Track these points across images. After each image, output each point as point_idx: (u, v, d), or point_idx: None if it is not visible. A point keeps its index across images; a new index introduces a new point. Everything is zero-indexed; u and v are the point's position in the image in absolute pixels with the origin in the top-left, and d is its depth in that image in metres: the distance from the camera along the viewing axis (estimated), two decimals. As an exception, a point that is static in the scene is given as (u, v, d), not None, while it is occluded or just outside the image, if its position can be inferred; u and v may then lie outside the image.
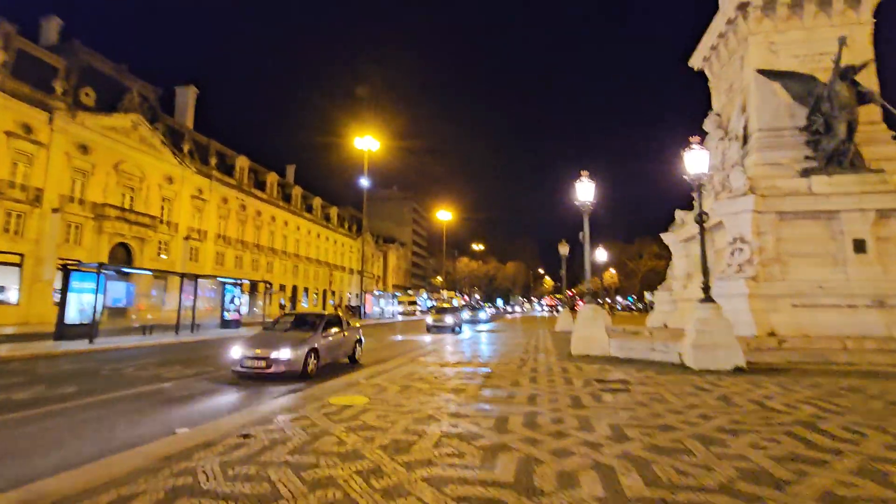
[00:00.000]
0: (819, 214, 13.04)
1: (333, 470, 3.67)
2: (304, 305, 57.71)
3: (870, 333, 11.41)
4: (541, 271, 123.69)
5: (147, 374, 9.64)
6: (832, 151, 13.63)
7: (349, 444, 4.34)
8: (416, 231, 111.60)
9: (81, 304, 15.20)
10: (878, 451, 4.11)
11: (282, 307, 46.46)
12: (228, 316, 22.64)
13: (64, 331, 14.68)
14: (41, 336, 16.41)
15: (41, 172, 27.74)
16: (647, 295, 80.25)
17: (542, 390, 7.08)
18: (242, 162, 47.47)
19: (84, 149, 30.27)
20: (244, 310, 28.45)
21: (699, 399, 6.35)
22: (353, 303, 55.17)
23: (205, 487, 3.33)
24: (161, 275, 21.77)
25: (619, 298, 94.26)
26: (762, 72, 15.00)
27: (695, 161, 9.58)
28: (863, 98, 13.79)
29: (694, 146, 9.54)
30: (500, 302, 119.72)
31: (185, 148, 39.56)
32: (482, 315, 41.72)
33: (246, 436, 4.57)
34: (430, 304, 69.51)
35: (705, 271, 9.61)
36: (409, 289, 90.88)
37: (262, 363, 8.66)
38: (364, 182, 41.98)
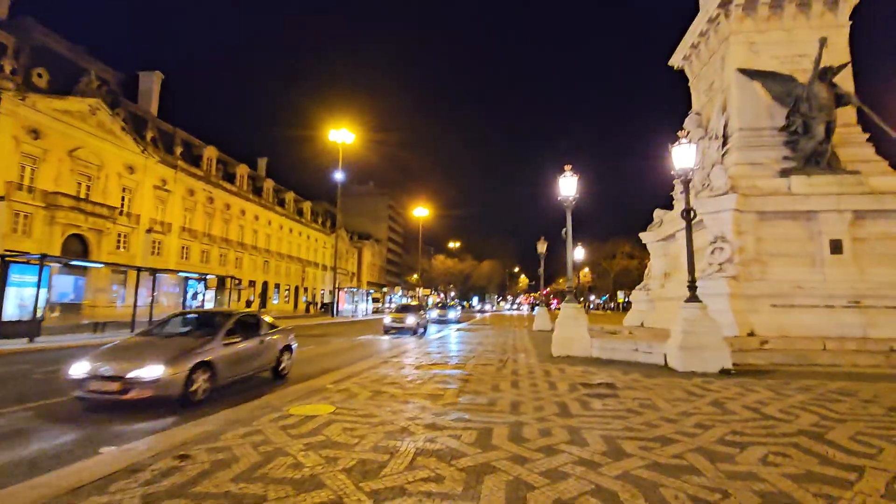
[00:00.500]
0: (798, 215, 13.01)
1: None
2: (275, 302, 56.04)
3: (847, 334, 11.41)
4: (517, 270, 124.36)
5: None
6: (810, 152, 13.65)
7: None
8: (392, 228, 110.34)
9: (22, 298, 13.88)
10: (899, 468, 3.72)
11: (248, 304, 44.77)
12: (191, 313, 21.34)
13: (0, 328, 13.36)
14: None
15: (-15, 157, 25.70)
16: (620, 294, 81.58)
17: (526, 396, 6.55)
18: (210, 152, 45.52)
19: (35, 133, 28.19)
20: (209, 306, 27.13)
21: (692, 405, 5.94)
22: (326, 299, 53.84)
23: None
24: (120, 269, 20.40)
25: (592, 297, 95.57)
26: (743, 71, 14.93)
27: (682, 155, 9.25)
28: (840, 100, 13.84)
29: (682, 140, 9.20)
30: (475, 300, 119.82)
31: (149, 136, 37.55)
32: (452, 314, 37.55)
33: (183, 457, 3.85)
34: (405, 301, 68.38)
35: (691, 269, 9.30)
36: (385, 286, 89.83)
37: (116, 385, 6.02)
38: (339, 175, 40.91)
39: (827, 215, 12.74)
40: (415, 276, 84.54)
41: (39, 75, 29.06)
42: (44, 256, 14.46)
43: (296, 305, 61.17)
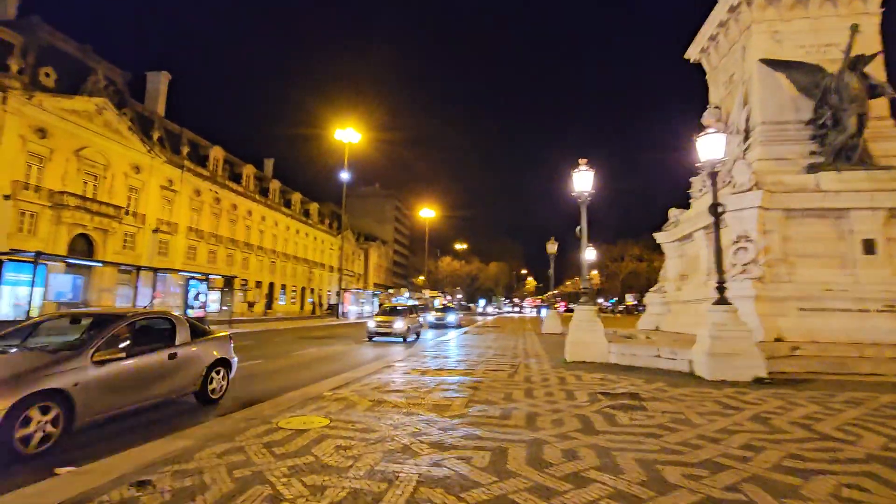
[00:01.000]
0: (827, 212, 12.24)
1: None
2: (282, 303, 55.76)
3: (881, 340, 10.61)
4: (524, 272, 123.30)
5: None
6: (840, 146, 12.86)
7: None
8: (398, 229, 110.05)
9: (17, 297, 13.50)
10: None
11: (251, 306, 44.39)
12: (192, 313, 20.97)
13: (-6, 328, 12.94)
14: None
15: (-9, 155, 25.57)
16: (629, 297, 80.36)
17: (542, 408, 5.92)
18: (217, 153, 45.37)
19: (42, 132, 28.08)
20: (215, 307, 26.75)
21: (731, 420, 5.27)
22: (333, 301, 53.39)
23: None
24: (124, 269, 20.08)
25: (600, 300, 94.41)
26: (766, 61, 14.17)
27: (710, 146, 8.56)
28: (872, 91, 13.06)
29: (710, 130, 8.51)
30: (482, 302, 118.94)
31: (155, 136, 37.40)
32: (451, 318, 31.33)
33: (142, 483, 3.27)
34: (411, 303, 67.76)
35: (720, 268, 8.60)
36: (391, 288, 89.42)
37: None
38: (344, 176, 40.52)
39: (859, 213, 11.97)
40: (421, 277, 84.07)
41: (47, 75, 28.94)
42: (38, 254, 14.07)
43: (302, 306, 60.91)
